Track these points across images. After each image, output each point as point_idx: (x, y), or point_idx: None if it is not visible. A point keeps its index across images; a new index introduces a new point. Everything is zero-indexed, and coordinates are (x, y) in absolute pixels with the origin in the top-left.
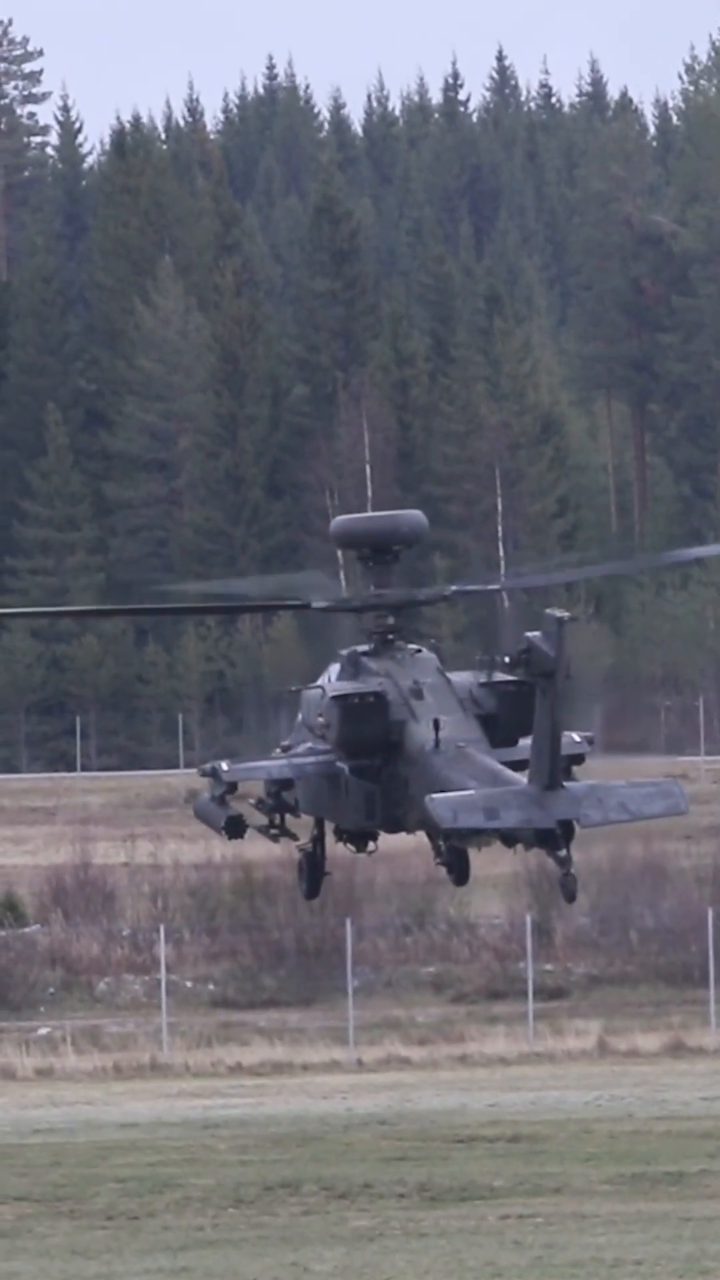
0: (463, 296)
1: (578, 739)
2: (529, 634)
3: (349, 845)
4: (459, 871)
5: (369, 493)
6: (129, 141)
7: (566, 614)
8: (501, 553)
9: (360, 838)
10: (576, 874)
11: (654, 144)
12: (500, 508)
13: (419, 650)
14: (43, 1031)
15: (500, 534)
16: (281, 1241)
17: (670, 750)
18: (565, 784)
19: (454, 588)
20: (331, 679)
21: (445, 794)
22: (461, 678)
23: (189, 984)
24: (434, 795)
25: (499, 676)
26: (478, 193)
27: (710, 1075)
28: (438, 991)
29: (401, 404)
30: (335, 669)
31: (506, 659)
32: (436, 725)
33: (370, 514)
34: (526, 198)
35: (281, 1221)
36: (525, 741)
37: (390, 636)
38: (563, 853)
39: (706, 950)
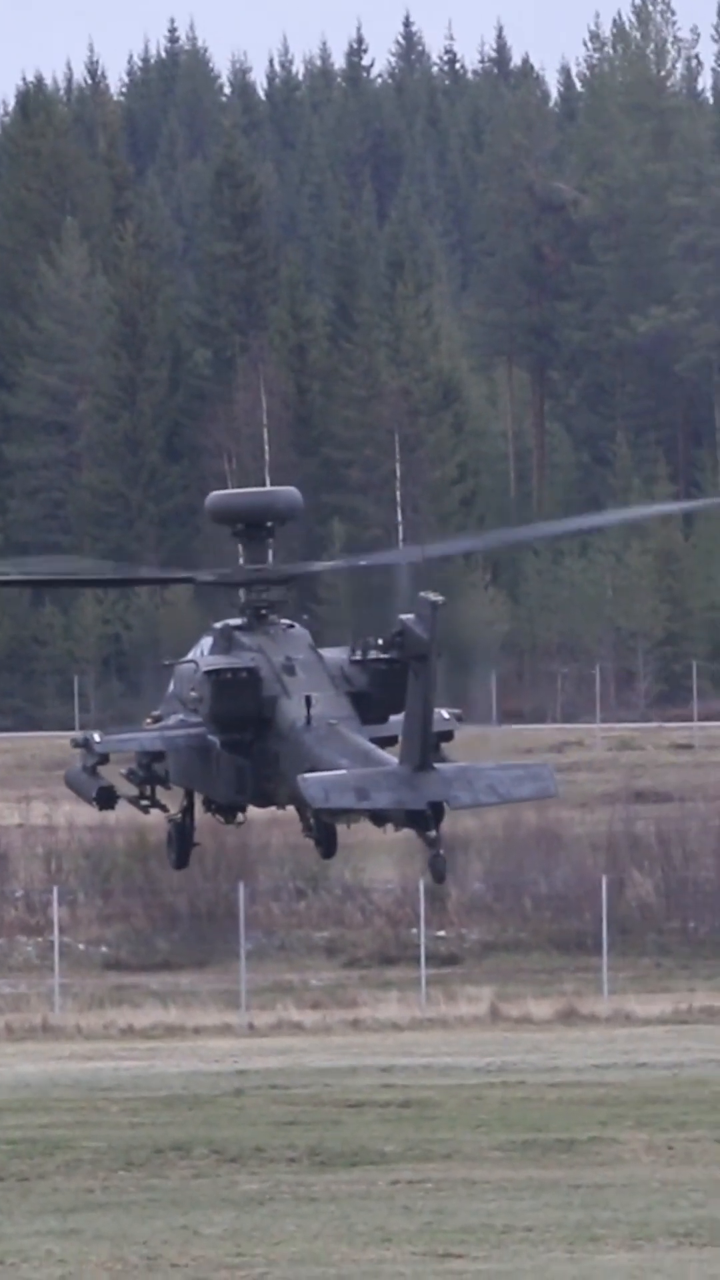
0: (364, 262)
1: (446, 715)
2: (403, 616)
3: (218, 816)
4: (326, 845)
5: (266, 456)
6: (32, 103)
7: (440, 598)
8: (400, 518)
9: (230, 810)
10: (445, 855)
11: (557, 111)
12: (399, 473)
13: (291, 625)
14: None
15: (399, 499)
16: (171, 1204)
17: (566, 718)
18: (436, 765)
19: (326, 564)
20: (204, 652)
21: (318, 774)
22: (333, 654)
23: (82, 946)
24: (306, 775)
25: (372, 654)
26: (380, 158)
27: (602, 1043)
28: (330, 956)
29: (300, 368)
30: (208, 642)
31: (380, 640)
32: (308, 702)
33: (246, 490)
34: (428, 164)
35: (172, 1184)
36: (396, 718)
37: (263, 611)
38: (432, 833)
39: (600, 917)
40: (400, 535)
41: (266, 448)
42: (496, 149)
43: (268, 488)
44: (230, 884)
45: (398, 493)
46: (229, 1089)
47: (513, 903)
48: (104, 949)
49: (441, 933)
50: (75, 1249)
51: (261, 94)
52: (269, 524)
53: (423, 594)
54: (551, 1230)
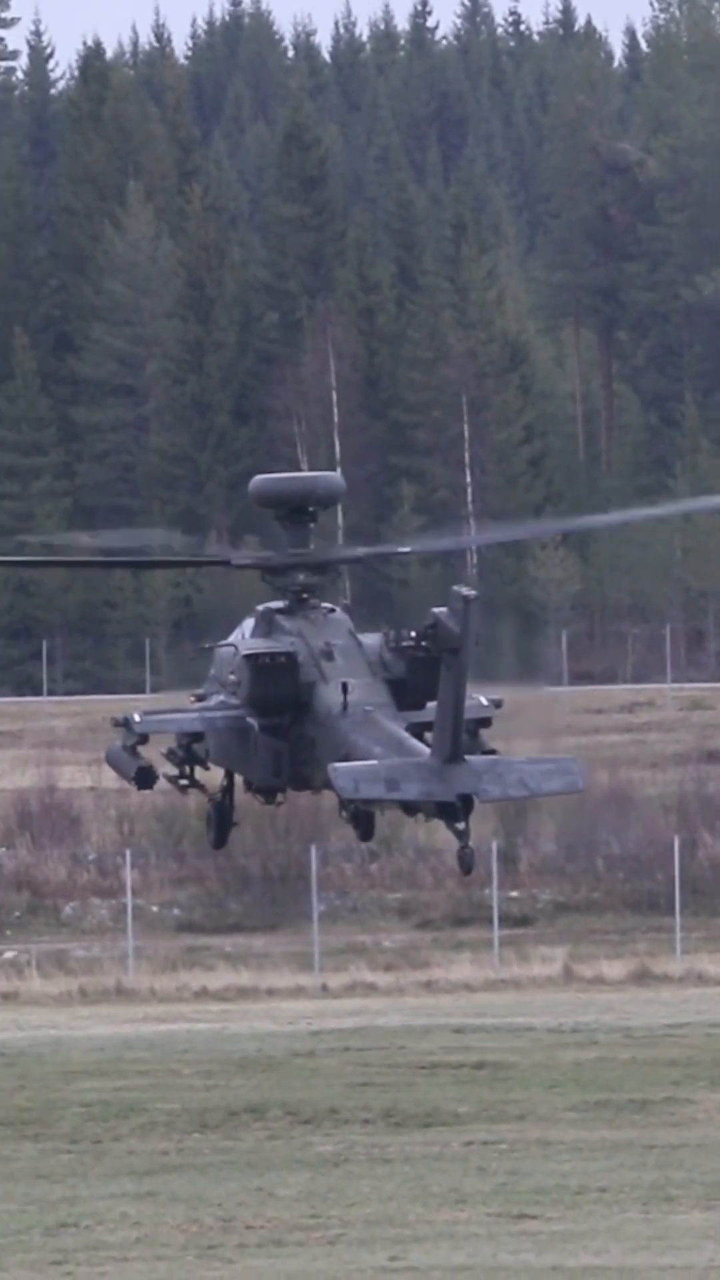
0: (430, 224)
1: (484, 702)
2: (436, 610)
3: (258, 797)
4: (364, 829)
5: (335, 419)
6: (95, 68)
7: (473, 592)
8: (468, 479)
9: (268, 791)
10: (474, 848)
11: (622, 72)
12: (467, 435)
13: (332, 610)
14: (8, 955)
15: (467, 461)
16: (246, 1166)
17: (637, 678)
18: (467, 758)
19: (366, 550)
20: (245, 635)
21: (348, 764)
22: (371, 640)
23: (155, 909)
24: (337, 765)
25: (405, 644)
26: (445, 120)
27: (675, 1003)
28: (403, 917)
29: (367, 331)
30: (249, 624)
31: (413, 633)
32: (345, 688)
33: (288, 474)
34: (494, 125)
35: (246, 1146)
36: (432, 704)
37: (304, 595)
38: (461, 825)
39: (673, 878)
40: (469, 497)
41: (335, 410)
42: (561, 110)
43: (310, 473)
44: (302, 846)
45: (466, 454)
46: (303, 1051)
47: (585, 863)
48: (177, 911)
49: (514, 894)
50: (151, 1211)
51: (326, 56)
52: (311, 509)
53: (455, 587)
54: (625, 1191)
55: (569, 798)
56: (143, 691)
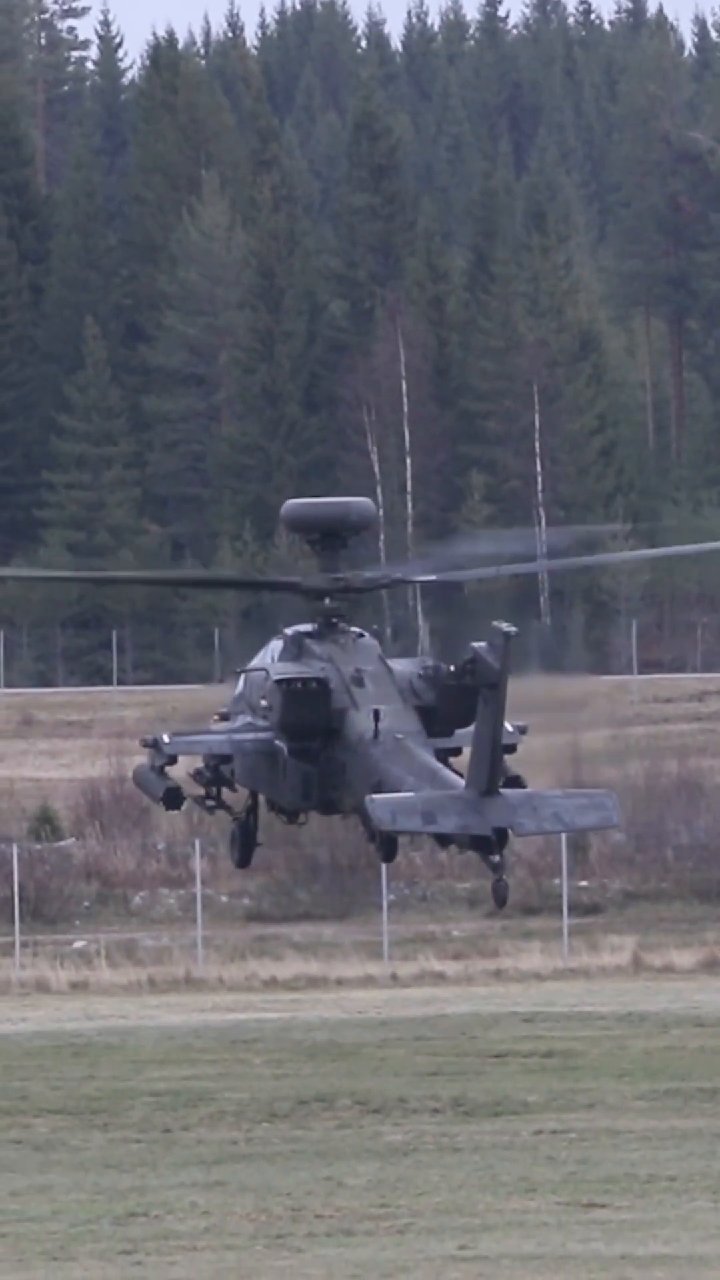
0: (502, 213)
1: (510, 729)
2: (475, 644)
3: (281, 816)
4: (387, 850)
5: (405, 408)
6: (167, 57)
7: (513, 628)
8: (539, 469)
9: (293, 813)
10: (509, 880)
11: (692, 61)
12: (538, 424)
13: (361, 635)
14: (78, 945)
15: (538, 450)
16: (315, 1156)
17: (706, 667)
18: (502, 791)
19: (399, 575)
20: (273, 658)
21: (385, 795)
22: (402, 666)
23: (224, 898)
24: (374, 796)
25: (443, 668)
26: (517, 109)
27: None
28: (472, 906)
29: (438, 320)
30: (277, 647)
31: (452, 667)
32: (376, 715)
33: (322, 500)
34: (565, 115)
35: (315, 1136)
36: (462, 731)
37: (334, 620)
38: (496, 858)
39: None
40: (539, 486)
41: (405, 399)
42: (632, 100)
43: (343, 499)
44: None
45: (536, 444)
46: (372, 1040)
47: (655, 853)
48: (246, 901)
49: (584, 883)
50: (220, 1201)
51: (397, 46)
52: (343, 534)
53: (495, 623)
54: (695, 1180)
55: (639, 786)
56: (211, 681)
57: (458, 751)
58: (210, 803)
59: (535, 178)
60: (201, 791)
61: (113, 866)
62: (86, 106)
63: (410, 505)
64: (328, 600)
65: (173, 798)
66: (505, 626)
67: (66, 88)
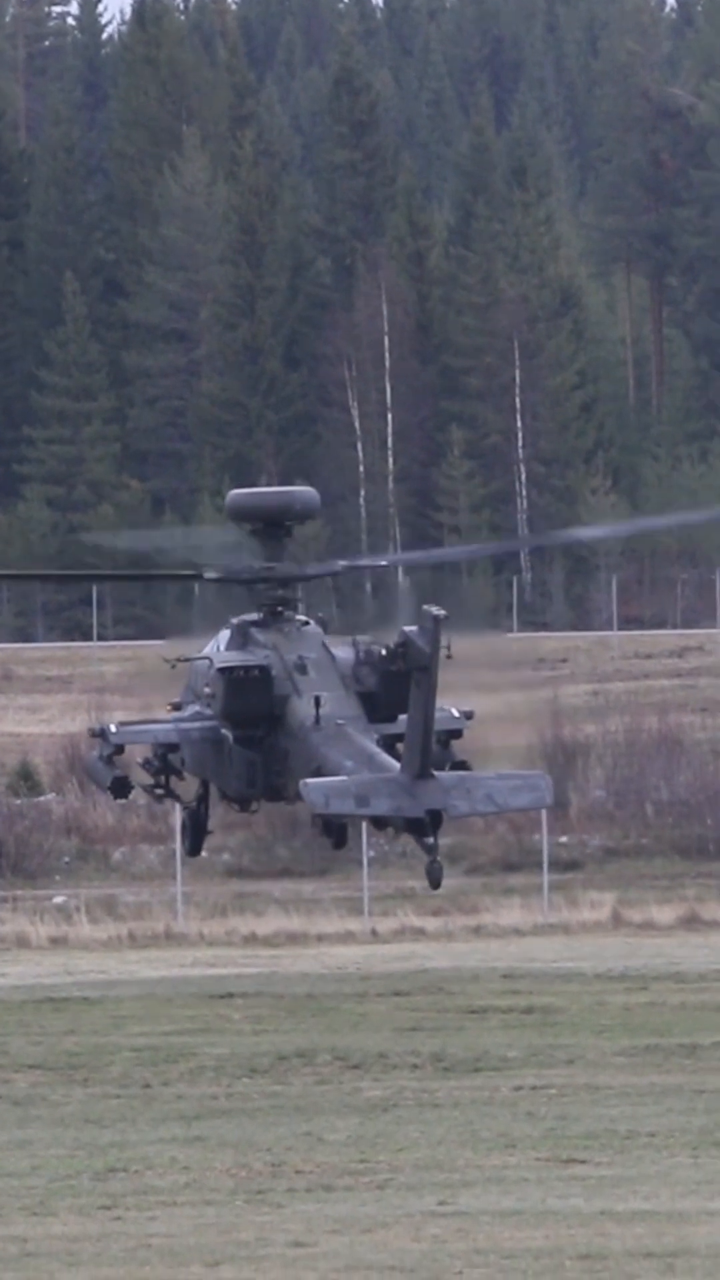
0: (483, 169)
1: (455, 714)
2: (406, 628)
3: (233, 805)
4: (337, 837)
5: (386, 363)
6: (148, 13)
7: (443, 612)
8: (519, 424)
9: (243, 801)
10: (442, 862)
11: (673, 16)
12: (519, 380)
13: (306, 623)
14: (58, 900)
15: (518, 406)
16: (295, 1111)
17: (686, 623)
18: (436, 774)
19: (343, 563)
20: (220, 647)
21: (319, 779)
22: (345, 652)
23: (204, 854)
24: (308, 780)
25: (375, 650)
26: (498, 65)
27: None
28: (453, 863)
29: (419, 276)
30: (225, 636)
31: (383, 650)
32: (318, 701)
33: (265, 489)
34: (546, 70)
35: (295, 1091)
36: (404, 717)
37: (279, 608)
38: (430, 840)
39: None
40: (520, 442)
41: (386, 355)
42: (612, 55)
43: (286, 488)
44: None
45: (517, 399)
46: (352, 995)
47: (634, 809)
48: (226, 856)
49: (563, 839)
50: (199, 1156)
51: (378, 1)
52: (287, 523)
53: (425, 607)
54: (675, 1136)
55: (619, 742)
56: (192, 635)
57: (402, 738)
58: (159, 791)
59: (516, 133)
60: (150, 780)
61: (92, 822)
62: (67, 61)
63: (391, 461)
64: (276, 590)
65: (120, 786)
66: (434, 610)
67: (47, 43)
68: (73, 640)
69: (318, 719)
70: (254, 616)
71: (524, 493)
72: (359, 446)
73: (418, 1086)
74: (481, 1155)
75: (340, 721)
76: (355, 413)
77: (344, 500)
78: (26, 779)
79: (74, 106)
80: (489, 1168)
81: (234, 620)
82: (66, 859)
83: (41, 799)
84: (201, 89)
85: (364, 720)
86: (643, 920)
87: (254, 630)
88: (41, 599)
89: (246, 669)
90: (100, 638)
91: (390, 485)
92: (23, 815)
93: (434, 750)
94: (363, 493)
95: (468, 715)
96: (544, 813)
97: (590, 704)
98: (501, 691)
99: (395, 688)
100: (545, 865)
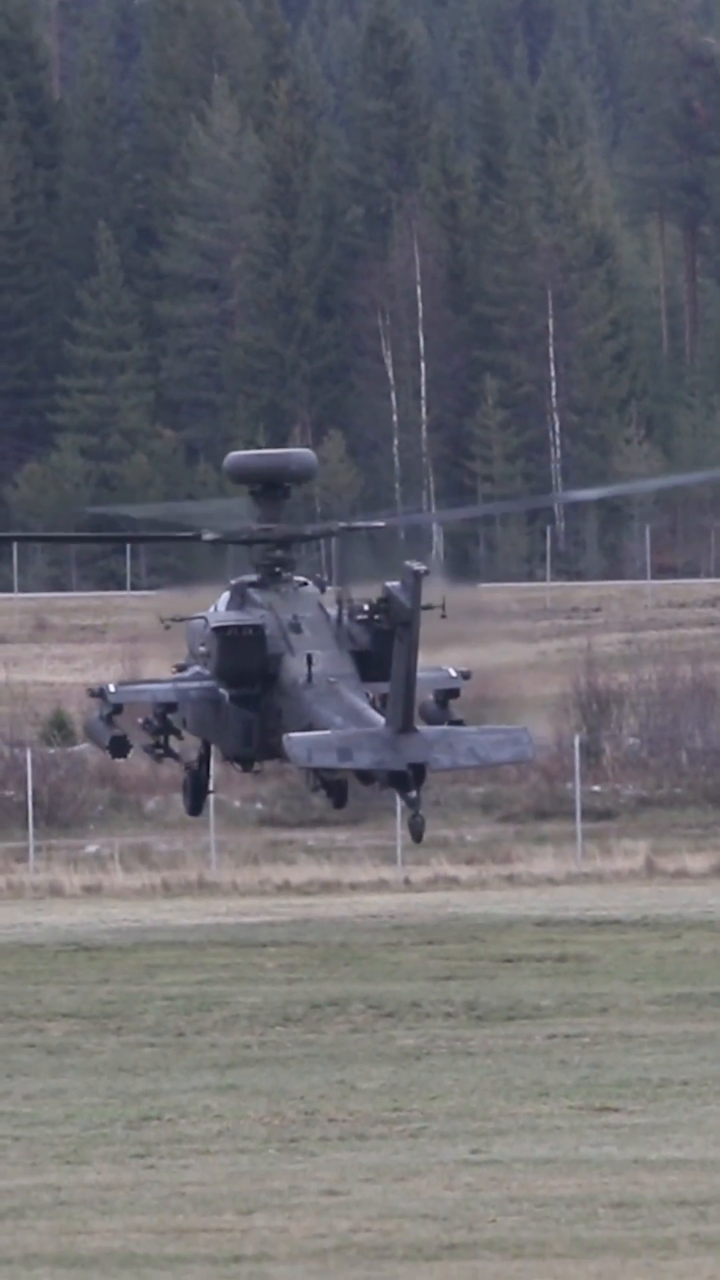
0: (516, 118)
1: (453, 674)
2: (388, 584)
3: (235, 765)
4: (337, 796)
5: (420, 313)
6: None
7: (424, 567)
8: (553, 373)
9: (243, 760)
10: (425, 815)
11: None
12: (552, 329)
13: (304, 584)
14: (91, 849)
15: (551, 355)
16: (328, 1059)
17: (719, 571)
18: (419, 728)
19: (341, 524)
20: (219, 609)
21: (302, 734)
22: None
23: (237, 803)
24: (291, 735)
25: (359, 617)
26: (532, 14)
27: None
28: (486, 811)
29: (452, 225)
30: (225, 598)
31: (366, 605)
32: (310, 660)
33: (262, 451)
34: (580, 20)
35: (328, 1039)
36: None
37: (277, 569)
38: (413, 794)
39: None
40: (553, 391)
41: (419, 304)
42: (645, 5)
43: (283, 450)
44: None
45: (550, 349)
46: (385, 944)
47: (668, 757)
48: (259, 805)
49: (597, 788)
50: (233, 1104)
51: None
52: (285, 485)
53: (407, 562)
54: (708, 1084)
55: (653, 691)
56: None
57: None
58: (159, 751)
59: (549, 83)
60: (151, 740)
61: (125, 772)
62: (100, 11)
63: (425, 410)
64: (275, 551)
65: (118, 745)
66: (416, 565)
67: None
68: (106, 590)
69: (310, 676)
70: (252, 578)
71: (558, 442)
72: (393, 396)
73: (451, 1035)
74: (515, 1104)
75: (332, 679)
76: (389, 362)
77: (378, 450)
78: (60, 728)
79: (106, 56)
80: (522, 1116)
81: (232, 581)
82: (100, 808)
83: (75, 749)
84: (234, 39)
85: (356, 678)
86: (676, 869)
87: (251, 591)
88: (75, 548)
89: (240, 628)
90: (134, 587)
91: (424, 435)
92: (56, 765)
93: (432, 709)
94: (396, 442)
95: (465, 675)
96: (576, 761)
97: (624, 653)
98: (493, 642)
99: (388, 646)
100: (579, 814)
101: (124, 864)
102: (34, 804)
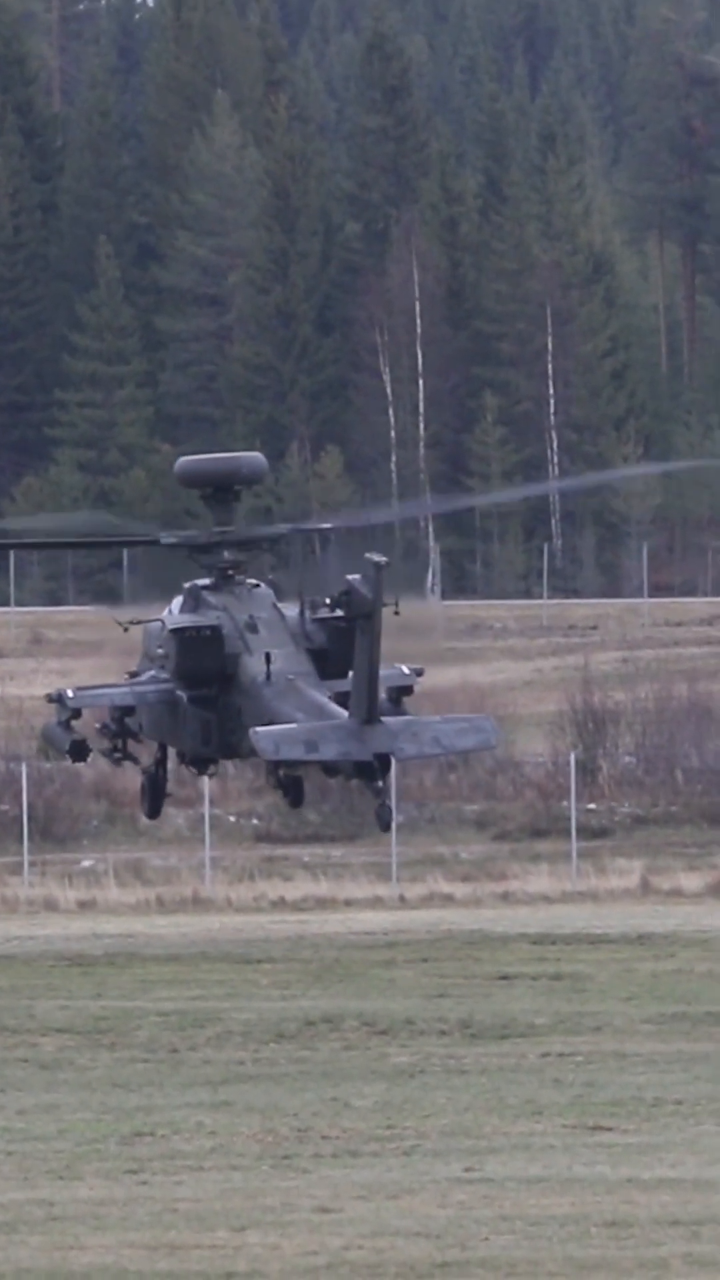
0: (516, 135)
1: (406, 671)
2: (350, 577)
3: (191, 769)
4: (294, 794)
5: (418, 329)
6: None
7: (385, 559)
8: (551, 391)
9: (200, 762)
10: (391, 805)
11: None
12: (551, 347)
13: (257, 585)
14: (86, 864)
15: (550, 373)
16: (322, 1076)
17: (717, 591)
18: (383, 719)
19: (288, 526)
20: (174, 612)
21: (269, 728)
22: (295, 611)
23: (232, 818)
24: (258, 729)
25: (321, 613)
26: (533, 31)
27: None
28: (481, 829)
29: (451, 242)
30: (179, 601)
31: (328, 600)
32: (268, 658)
33: (213, 455)
34: (582, 37)
35: (322, 1056)
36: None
37: (230, 572)
38: (379, 784)
39: None
40: (551, 409)
41: (418, 321)
42: (647, 22)
43: (234, 454)
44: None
45: (549, 366)
46: (379, 961)
47: (664, 776)
48: (255, 821)
49: (592, 806)
50: (226, 1121)
51: None
52: (235, 488)
53: (368, 555)
54: (702, 1104)
55: (649, 709)
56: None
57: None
58: (117, 755)
59: (549, 100)
60: (108, 744)
61: (121, 786)
62: (101, 25)
63: (423, 427)
64: (227, 554)
65: (77, 750)
66: (377, 557)
67: (81, 6)
68: (102, 604)
69: (269, 675)
70: (206, 581)
71: (555, 459)
72: (391, 412)
73: (445, 1052)
74: (508, 1122)
75: (291, 677)
76: (387, 378)
77: (376, 465)
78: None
79: (108, 71)
80: (515, 1134)
81: (186, 585)
82: (95, 823)
83: (71, 764)
84: (234, 54)
85: (314, 675)
86: (671, 888)
87: (205, 593)
88: (71, 563)
89: (198, 629)
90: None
91: (422, 451)
92: (52, 779)
93: (385, 706)
94: (394, 458)
95: (418, 672)
96: (572, 779)
97: (620, 671)
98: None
99: (345, 644)
100: (574, 832)
101: (119, 879)
102: (29, 818)
